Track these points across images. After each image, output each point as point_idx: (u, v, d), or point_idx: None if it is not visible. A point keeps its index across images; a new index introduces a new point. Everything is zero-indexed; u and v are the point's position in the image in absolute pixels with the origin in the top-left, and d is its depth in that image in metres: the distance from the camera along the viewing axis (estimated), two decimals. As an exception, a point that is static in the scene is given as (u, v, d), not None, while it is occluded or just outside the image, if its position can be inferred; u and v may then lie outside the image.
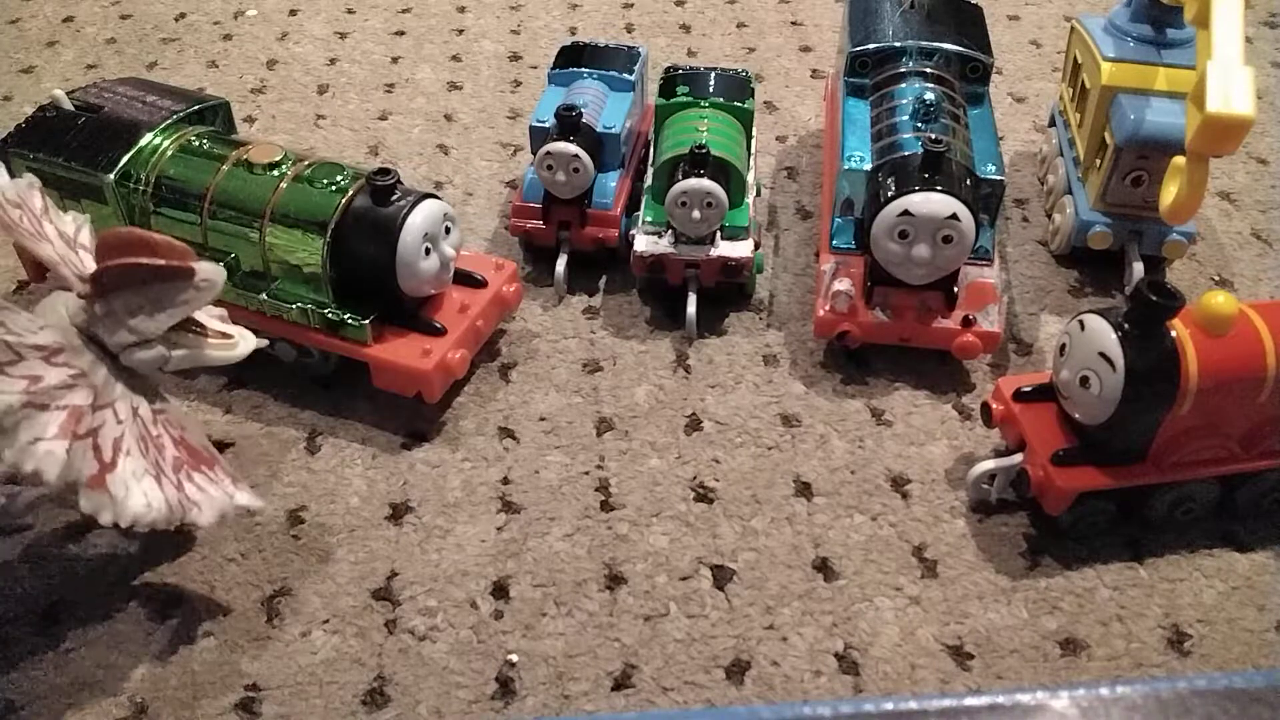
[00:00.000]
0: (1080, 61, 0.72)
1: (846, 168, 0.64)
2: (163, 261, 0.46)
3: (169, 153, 0.60)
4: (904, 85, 0.66)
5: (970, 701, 0.31)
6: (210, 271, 0.47)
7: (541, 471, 0.59)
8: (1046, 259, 0.74)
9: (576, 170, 0.67)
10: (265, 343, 0.51)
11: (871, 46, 0.69)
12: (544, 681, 0.49)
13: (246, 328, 0.61)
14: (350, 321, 0.58)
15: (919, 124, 0.63)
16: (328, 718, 0.48)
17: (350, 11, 1.02)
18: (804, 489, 0.58)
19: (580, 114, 0.67)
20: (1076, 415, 0.52)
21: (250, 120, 0.87)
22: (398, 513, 0.57)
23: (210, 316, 0.50)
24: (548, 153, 0.66)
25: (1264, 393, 0.51)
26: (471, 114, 0.88)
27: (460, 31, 0.99)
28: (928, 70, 0.67)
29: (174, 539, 0.55)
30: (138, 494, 0.44)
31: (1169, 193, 0.58)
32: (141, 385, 0.48)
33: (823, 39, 0.98)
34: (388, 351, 0.59)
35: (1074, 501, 0.53)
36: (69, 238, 0.52)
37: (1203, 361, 0.49)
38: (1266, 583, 0.53)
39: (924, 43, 0.68)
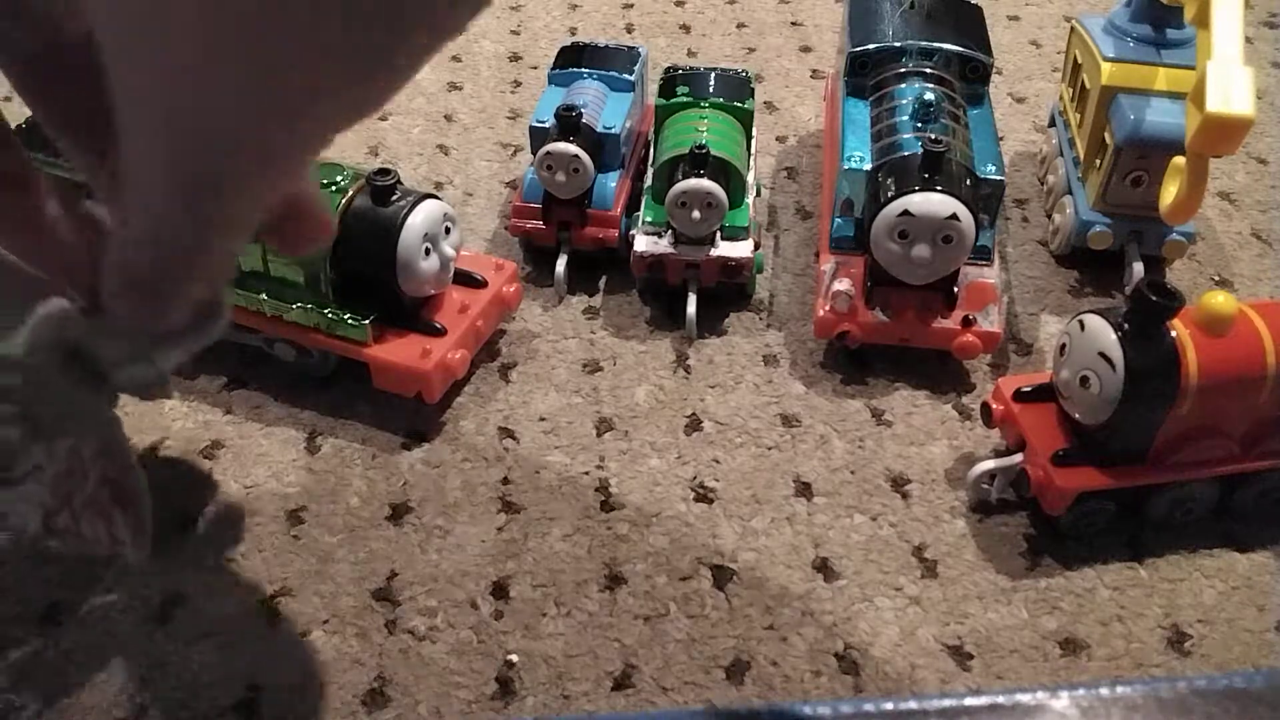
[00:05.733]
0: (1080, 61, 0.72)
1: (846, 168, 0.64)
2: None
3: (169, 153, 0.60)
4: (904, 85, 0.66)
5: (970, 701, 0.31)
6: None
7: (541, 471, 0.59)
8: (1046, 259, 0.74)
9: (576, 170, 0.67)
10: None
11: (871, 46, 0.69)
12: (544, 681, 0.49)
13: (246, 328, 0.62)
14: (350, 321, 0.58)
15: (919, 124, 0.63)
16: (328, 718, 0.48)
17: (350, 11, 1.02)
18: (804, 489, 0.58)
19: (580, 114, 0.67)
20: (1076, 415, 0.52)
21: (250, 120, 0.87)
22: (398, 513, 0.57)
23: None
24: (548, 153, 0.66)
25: (1264, 393, 0.51)
26: (471, 114, 0.88)
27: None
28: (928, 70, 0.67)
29: (174, 540, 0.55)
30: (16, 515, 0.47)
31: (1169, 193, 0.58)
32: (99, 424, 0.48)
33: (823, 39, 0.98)
34: (388, 351, 0.59)
35: (1074, 501, 0.53)
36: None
37: (1203, 361, 0.49)
38: (1266, 583, 0.53)
39: (924, 43, 0.68)
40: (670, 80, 0.72)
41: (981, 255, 0.63)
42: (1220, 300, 0.50)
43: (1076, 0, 1.04)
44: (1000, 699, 0.31)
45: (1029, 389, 0.56)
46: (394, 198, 0.57)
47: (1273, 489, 0.55)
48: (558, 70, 0.75)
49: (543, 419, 0.62)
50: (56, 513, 0.48)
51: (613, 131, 0.69)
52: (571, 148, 0.66)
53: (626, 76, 0.73)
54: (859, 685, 0.49)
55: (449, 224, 0.59)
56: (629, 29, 0.99)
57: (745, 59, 0.95)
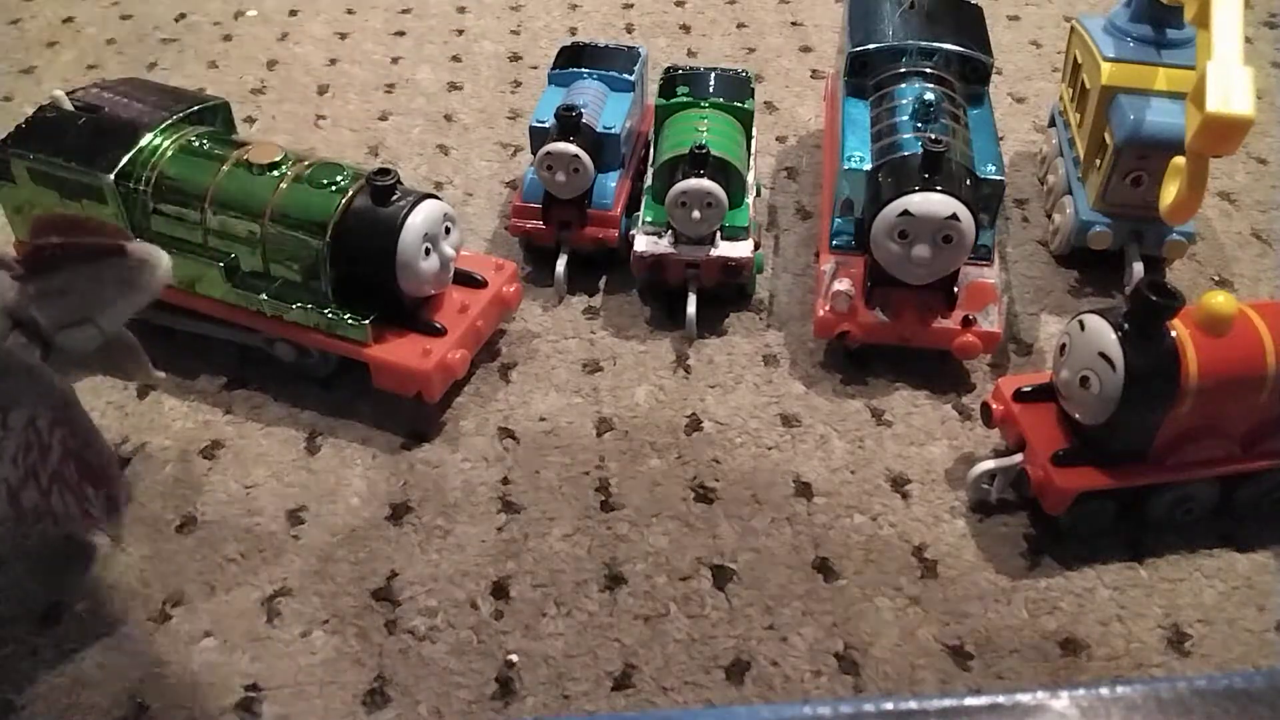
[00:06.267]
0: (1080, 61, 0.72)
1: (846, 168, 0.64)
2: (93, 239, 0.45)
3: (169, 153, 0.60)
4: (904, 85, 0.66)
5: (970, 701, 0.31)
6: (143, 251, 0.46)
7: (541, 471, 0.59)
8: (1046, 259, 0.74)
9: (576, 170, 0.67)
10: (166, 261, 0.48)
11: (871, 46, 0.69)
12: (544, 681, 0.49)
13: (247, 328, 0.62)
14: (350, 321, 0.58)
15: (919, 124, 0.63)
16: (328, 718, 0.48)
17: (350, 11, 1.02)
18: (804, 489, 0.58)
19: (580, 114, 0.67)
20: (1076, 415, 0.52)
21: (250, 120, 0.87)
22: (398, 513, 0.56)
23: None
24: (548, 153, 0.66)
25: (1264, 393, 0.51)
26: (471, 114, 0.88)
27: (460, 32, 0.99)
28: (927, 70, 0.67)
29: (174, 539, 0.55)
30: None
31: (1169, 193, 0.58)
32: (52, 393, 0.48)
33: (823, 39, 0.98)
34: (388, 351, 0.59)
35: (1074, 501, 0.53)
36: None
37: (1203, 361, 0.49)
38: (1266, 583, 0.53)
39: (924, 43, 0.68)
40: (670, 80, 0.72)
41: (981, 255, 0.63)
42: (1220, 300, 0.50)
43: (1076, 0, 1.04)
44: (1000, 699, 0.31)
45: (1029, 389, 0.56)
46: (394, 198, 0.57)
47: (1273, 489, 0.55)
48: (558, 70, 0.75)
49: (543, 419, 0.62)
50: (21, 488, 0.47)
51: (613, 131, 0.69)
52: (571, 148, 0.66)
53: (626, 76, 0.73)
54: (859, 685, 0.49)
55: (449, 224, 0.59)
56: (629, 29, 0.99)
57: (745, 59, 0.95)
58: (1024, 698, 0.31)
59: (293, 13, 1.02)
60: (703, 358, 0.66)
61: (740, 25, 1.00)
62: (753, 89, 0.72)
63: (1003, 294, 0.69)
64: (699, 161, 0.63)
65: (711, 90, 0.71)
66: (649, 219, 0.67)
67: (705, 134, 0.66)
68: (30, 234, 0.46)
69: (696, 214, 0.64)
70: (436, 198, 0.59)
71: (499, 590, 0.53)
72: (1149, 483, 0.53)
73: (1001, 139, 0.75)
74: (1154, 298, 0.49)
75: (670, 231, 0.66)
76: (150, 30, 0.99)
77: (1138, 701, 0.30)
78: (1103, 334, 0.50)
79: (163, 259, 0.47)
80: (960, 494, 0.57)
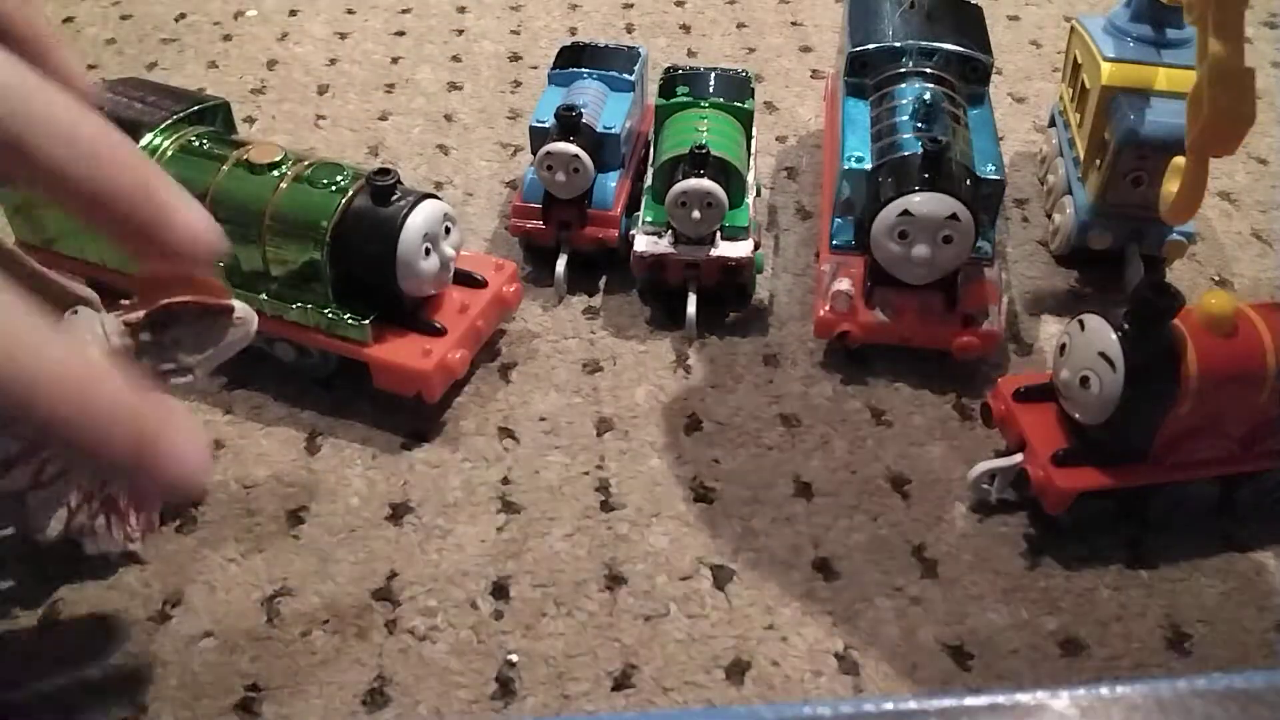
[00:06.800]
0: (1080, 61, 0.72)
1: (846, 168, 0.64)
2: (213, 301, 0.49)
3: (169, 153, 0.60)
4: (904, 85, 0.66)
5: (970, 701, 0.31)
6: (243, 310, 0.50)
7: (541, 471, 0.59)
8: (1046, 259, 0.74)
9: (576, 170, 0.67)
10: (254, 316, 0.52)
11: (871, 46, 0.69)
12: (544, 681, 0.49)
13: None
14: (350, 321, 0.58)
15: (919, 124, 0.63)
16: (328, 718, 0.48)
17: (350, 11, 1.02)
18: (804, 489, 0.58)
19: (580, 114, 0.67)
20: (1076, 415, 0.52)
21: (250, 120, 0.87)
22: (398, 513, 0.57)
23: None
24: (548, 153, 0.66)
25: (1264, 393, 0.51)
26: (471, 114, 0.88)
27: (460, 32, 0.99)
28: (928, 70, 0.67)
29: (174, 539, 0.55)
30: (43, 513, 0.50)
31: (1169, 193, 0.58)
32: None
33: (823, 39, 0.98)
34: (388, 351, 0.59)
35: (1074, 501, 0.53)
36: None
37: (1203, 361, 0.49)
38: (1266, 583, 0.53)
39: (924, 43, 0.68)
40: (670, 80, 0.72)
41: (981, 255, 0.63)
42: (1220, 300, 0.50)
43: (1076, 0, 1.04)
44: (1000, 699, 0.31)
45: (1029, 389, 0.56)
46: (394, 198, 0.57)
47: (1273, 489, 0.55)
48: (558, 70, 0.75)
49: (543, 419, 0.62)
50: (76, 513, 0.50)
51: (613, 131, 0.69)
52: (571, 148, 0.66)
53: (626, 76, 0.73)
54: (859, 685, 0.49)
55: (449, 224, 0.59)
56: (629, 29, 0.99)
57: (745, 59, 0.95)
58: (1024, 698, 0.31)
59: (293, 13, 1.02)
60: (703, 358, 0.66)
61: (740, 25, 1.00)
62: (753, 89, 0.72)
63: (1003, 294, 0.69)
64: (699, 161, 0.63)
65: (711, 90, 0.71)
66: (649, 219, 0.67)
67: (705, 134, 0.66)
68: (140, 291, 0.49)
69: (696, 214, 0.64)
70: (436, 198, 0.59)
71: (499, 590, 0.53)
72: (1149, 483, 0.53)
73: (1001, 139, 0.75)
74: (1154, 298, 0.49)
75: (670, 231, 0.66)
76: (150, 30, 0.99)
77: (1138, 701, 0.30)
78: (1103, 334, 0.50)
79: (253, 316, 0.51)
80: (960, 494, 0.57)
